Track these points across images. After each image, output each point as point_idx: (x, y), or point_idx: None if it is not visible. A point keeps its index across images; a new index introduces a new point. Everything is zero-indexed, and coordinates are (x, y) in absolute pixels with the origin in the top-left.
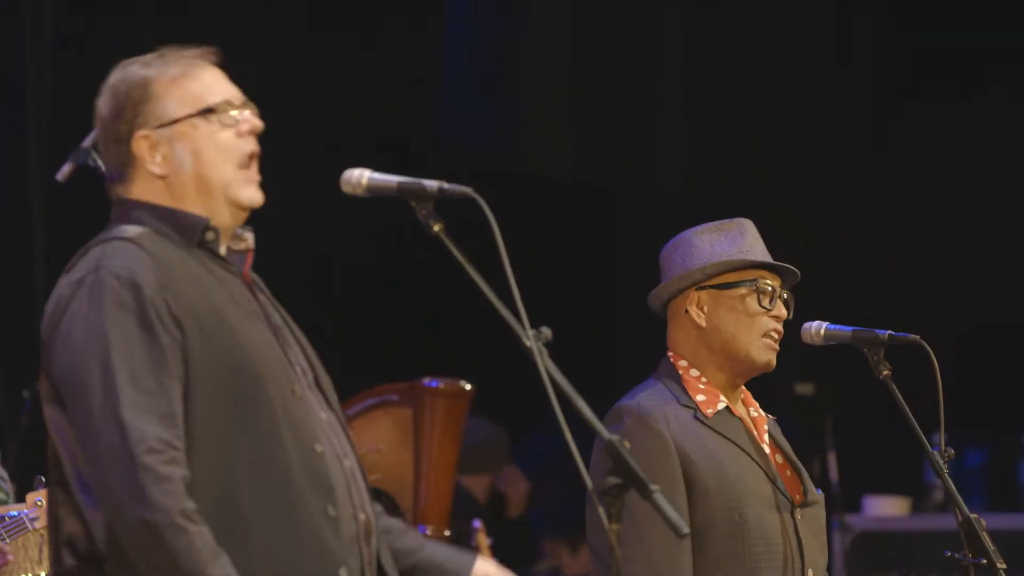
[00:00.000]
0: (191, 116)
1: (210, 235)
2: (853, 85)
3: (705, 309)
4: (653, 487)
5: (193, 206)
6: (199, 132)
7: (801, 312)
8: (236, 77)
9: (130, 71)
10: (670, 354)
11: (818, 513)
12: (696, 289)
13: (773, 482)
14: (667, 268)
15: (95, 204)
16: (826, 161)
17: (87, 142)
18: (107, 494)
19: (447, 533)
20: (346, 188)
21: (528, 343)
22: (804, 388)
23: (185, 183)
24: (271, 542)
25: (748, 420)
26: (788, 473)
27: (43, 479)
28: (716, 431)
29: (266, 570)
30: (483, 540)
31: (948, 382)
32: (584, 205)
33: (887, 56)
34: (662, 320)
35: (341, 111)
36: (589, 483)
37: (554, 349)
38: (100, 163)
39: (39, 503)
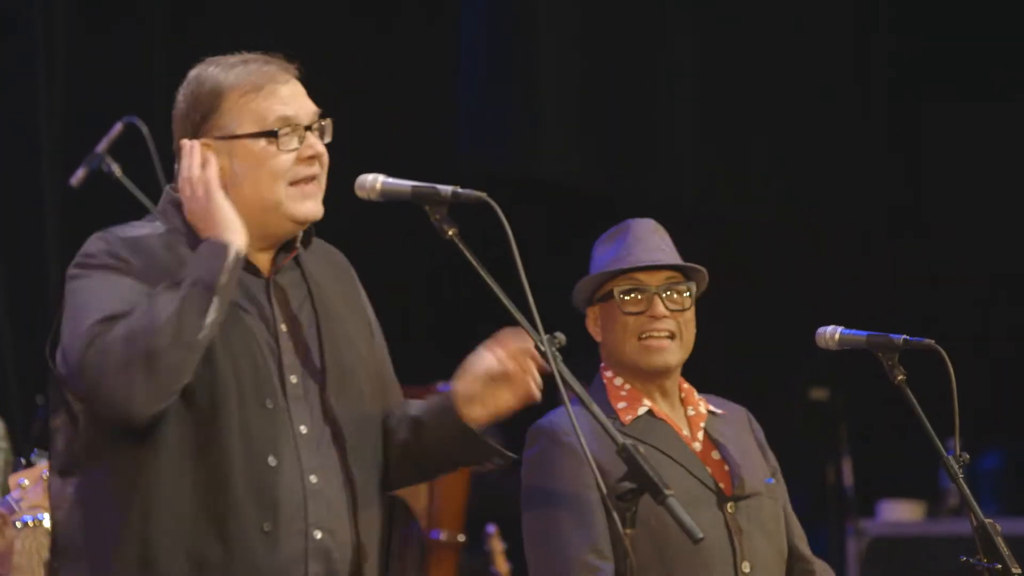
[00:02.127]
0: (251, 136)
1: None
2: (865, 87)
3: (600, 323)
4: (668, 491)
5: (249, 217)
6: (257, 152)
7: (815, 316)
8: None
9: (208, 74)
10: (601, 365)
11: (761, 504)
12: (589, 305)
13: (699, 479)
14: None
15: (108, 210)
16: (837, 164)
17: (100, 147)
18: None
19: (461, 538)
20: (360, 193)
21: (543, 348)
22: (818, 393)
23: (241, 197)
24: (203, 548)
25: (678, 420)
26: (724, 469)
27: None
28: (633, 437)
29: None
30: (497, 545)
31: (964, 385)
32: (592, 211)
33: (901, 56)
34: None
35: (351, 117)
36: (603, 488)
37: (565, 354)
38: (113, 168)
39: (22, 484)
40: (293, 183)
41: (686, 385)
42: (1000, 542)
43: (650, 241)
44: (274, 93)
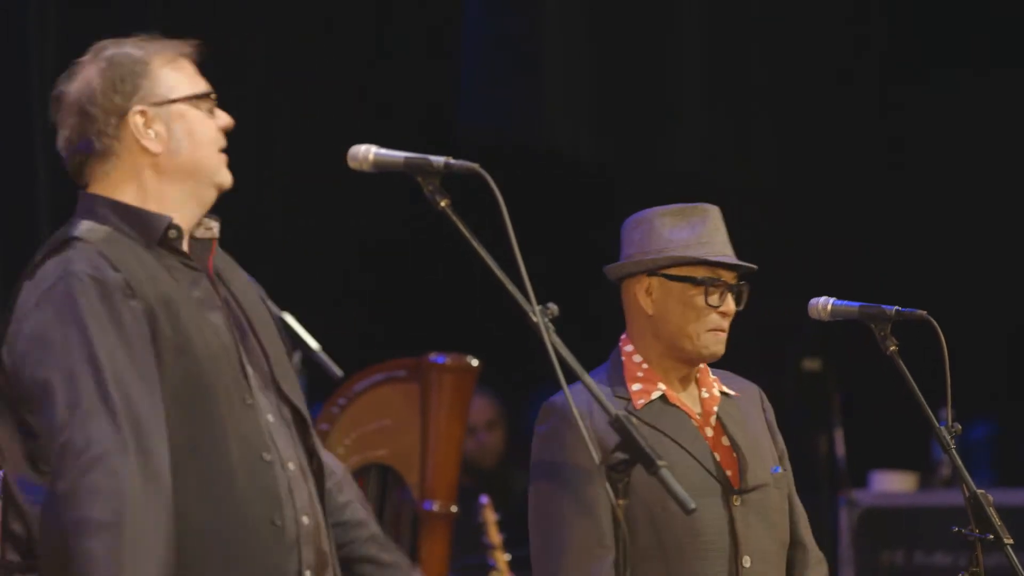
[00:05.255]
0: (188, 98)
1: (172, 233)
2: (869, 63)
3: (653, 296)
4: (660, 462)
5: (175, 187)
6: (194, 115)
7: (811, 289)
8: (243, 56)
9: (121, 51)
10: (622, 336)
11: (766, 496)
12: (648, 275)
13: (707, 469)
14: (625, 244)
15: None
16: (841, 142)
17: None
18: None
19: (454, 509)
20: (353, 164)
21: (535, 319)
22: (811, 364)
23: (177, 163)
24: (220, 558)
25: (690, 405)
26: (733, 457)
27: None
28: (644, 422)
29: None
30: (490, 516)
31: (956, 356)
32: (600, 184)
33: (902, 32)
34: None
35: (356, 89)
36: (597, 458)
37: (562, 326)
38: None
39: None
40: (218, 152)
41: (702, 365)
42: (992, 513)
43: (723, 233)
44: (186, 66)
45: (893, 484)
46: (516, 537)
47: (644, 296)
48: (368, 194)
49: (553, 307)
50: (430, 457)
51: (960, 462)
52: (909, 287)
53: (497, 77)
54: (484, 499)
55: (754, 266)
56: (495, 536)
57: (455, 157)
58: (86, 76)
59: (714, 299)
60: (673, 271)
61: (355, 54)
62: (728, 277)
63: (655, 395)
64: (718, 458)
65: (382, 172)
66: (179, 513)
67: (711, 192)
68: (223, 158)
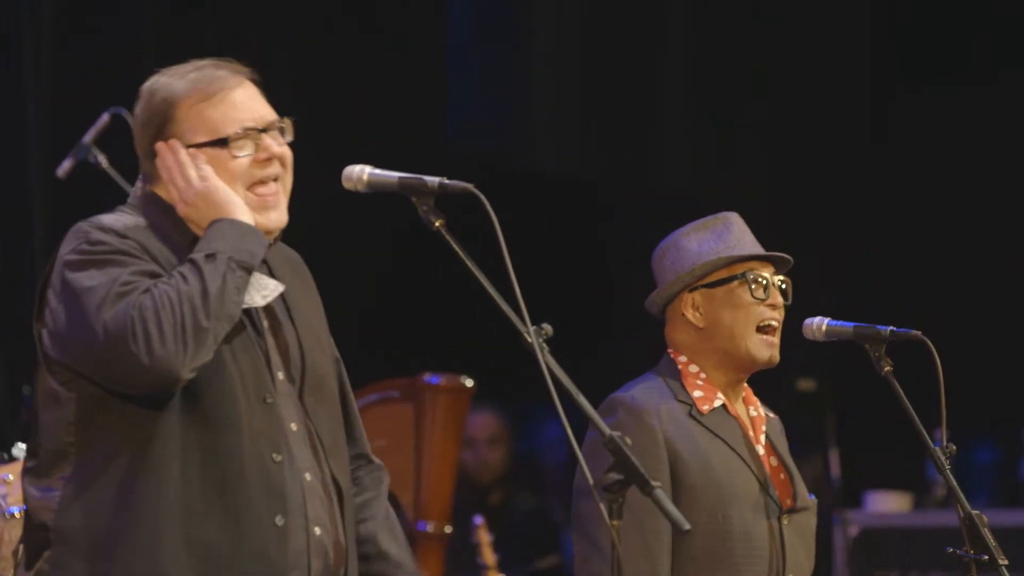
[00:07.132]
0: (205, 145)
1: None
2: (855, 77)
3: (701, 310)
4: (654, 483)
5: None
6: (211, 159)
7: (805, 308)
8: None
9: (160, 85)
10: (670, 351)
11: (807, 519)
12: (689, 291)
13: (762, 485)
14: (659, 273)
15: (95, 200)
16: (829, 157)
17: (87, 138)
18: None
19: (448, 529)
20: (347, 184)
21: (529, 339)
22: (806, 384)
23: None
24: (213, 540)
25: (745, 420)
26: (781, 477)
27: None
28: (709, 429)
29: (203, 567)
30: (484, 537)
31: (952, 378)
32: (588, 202)
33: (887, 46)
34: (661, 321)
35: (346, 107)
36: (590, 479)
37: (556, 346)
38: (100, 159)
39: (7, 479)
40: (251, 187)
41: (745, 384)
42: (987, 533)
43: (750, 235)
44: (225, 100)
45: (888, 504)
46: (511, 558)
47: (692, 311)
48: (361, 213)
49: (547, 327)
50: (424, 478)
51: (955, 482)
52: (907, 306)
53: (486, 97)
54: (478, 519)
55: (789, 256)
56: (489, 557)
57: (446, 176)
58: (137, 106)
59: (759, 292)
60: (712, 277)
61: (344, 71)
62: (767, 273)
63: (716, 403)
64: (769, 476)
65: (376, 192)
66: (180, 491)
67: (699, 210)
68: (259, 200)
